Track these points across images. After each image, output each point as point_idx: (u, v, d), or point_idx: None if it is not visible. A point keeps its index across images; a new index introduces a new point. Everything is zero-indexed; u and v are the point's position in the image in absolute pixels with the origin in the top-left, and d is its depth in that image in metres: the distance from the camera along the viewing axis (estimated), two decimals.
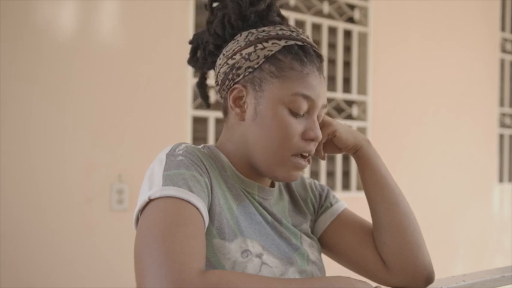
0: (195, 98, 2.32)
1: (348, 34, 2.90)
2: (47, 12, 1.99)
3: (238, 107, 0.86)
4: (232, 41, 0.87)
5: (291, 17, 2.62)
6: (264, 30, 0.86)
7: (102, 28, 2.09)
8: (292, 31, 0.86)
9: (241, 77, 0.85)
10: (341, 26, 2.83)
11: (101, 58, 2.08)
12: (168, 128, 2.22)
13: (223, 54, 0.88)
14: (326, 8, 2.77)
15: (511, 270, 1.04)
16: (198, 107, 2.34)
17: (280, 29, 0.86)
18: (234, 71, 0.85)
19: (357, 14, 2.89)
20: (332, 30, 2.82)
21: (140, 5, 2.15)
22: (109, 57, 2.10)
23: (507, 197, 3.68)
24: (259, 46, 0.84)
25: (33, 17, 1.96)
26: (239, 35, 0.87)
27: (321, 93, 0.86)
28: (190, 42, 0.97)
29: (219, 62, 0.89)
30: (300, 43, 0.85)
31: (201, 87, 0.99)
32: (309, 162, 0.88)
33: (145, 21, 2.18)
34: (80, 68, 2.04)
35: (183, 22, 2.25)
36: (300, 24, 2.68)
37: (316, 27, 2.76)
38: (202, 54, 0.94)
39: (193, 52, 0.96)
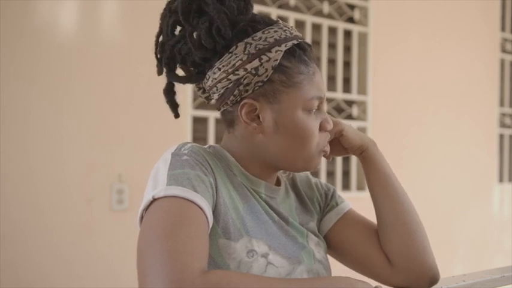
0: (195, 98, 2.32)
1: (348, 34, 2.90)
2: (46, 12, 1.98)
3: (253, 121, 0.84)
4: (229, 55, 0.82)
5: (291, 17, 2.62)
6: (260, 38, 0.82)
7: (102, 28, 2.09)
8: (284, 30, 0.85)
9: (250, 91, 0.82)
10: (341, 26, 2.83)
11: (101, 58, 2.08)
12: (168, 128, 2.21)
13: (220, 69, 0.83)
14: (326, 8, 2.77)
15: (511, 270, 1.04)
16: (198, 107, 2.34)
17: (274, 31, 0.83)
18: (241, 87, 0.82)
19: (357, 14, 2.89)
20: (332, 30, 2.82)
21: (140, 5, 2.15)
22: (109, 57, 2.10)
23: (507, 197, 3.68)
24: (264, 58, 0.81)
25: (33, 17, 1.95)
26: (235, 47, 0.82)
27: (325, 86, 0.89)
28: (159, 54, 0.88)
29: (214, 76, 0.84)
30: (295, 41, 0.84)
31: (169, 95, 0.92)
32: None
33: (145, 21, 2.17)
34: (79, 68, 2.04)
35: None
36: (300, 24, 2.68)
37: (316, 27, 2.76)
38: (181, 67, 0.89)
39: (173, 65, 0.88)
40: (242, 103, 0.83)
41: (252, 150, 0.86)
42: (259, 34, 0.83)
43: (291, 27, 0.87)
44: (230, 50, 0.82)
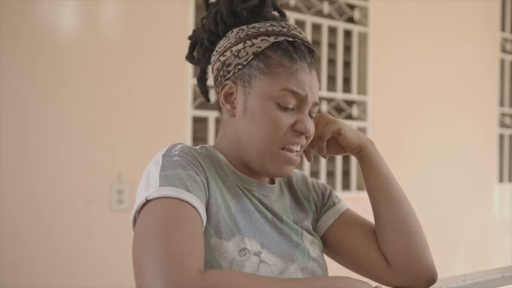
0: (195, 98, 2.32)
1: (348, 34, 2.90)
2: (46, 12, 1.98)
3: (229, 103, 0.87)
4: (224, 38, 0.88)
5: (291, 17, 2.62)
6: (254, 27, 0.86)
7: (102, 28, 2.09)
8: (283, 27, 0.86)
9: (231, 73, 0.85)
10: (341, 26, 2.83)
11: (101, 58, 2.08)
12: (168, 128, 2.21)
13: (216, 51, 0.89)
14: (326, 8, 2.77)
15: (511, 270, 1.04)
16: (198, 107, 2.34)
17: (271, 25, 0.86)
18: (224, 68, 0.86)
19: (357, 14, 2.89)
20: (332, 30, 2.82)
21: (140, 4, 2.15)
22: (109, 57, 2.10)
23: (507, 197, 3.68)
24: (248, 43, 0.84)
25: (33, 17, 1.95)
26: (230, 31, 0.88)
27: (312, 89, 0.85)
28: (190, 38, 0.98)
29: (212, 58, 0.91)
30: (290, 39, 0.85)
31: (201, 83, 1.00)
32: (299, 158, 0.88)
33: (145, 21, 2.18)
34: (80, 68, 2.04)
35: (183, 22, 2.24)
36: (300, 24, 2.68)
37: (316, 27, 2.76)
38: (200, 50, 0.96)
39: (191, 48, 0.98)
40: (223, 84, 0.86)
41: (232, 141, 0.87)
42: (255, 24, 0.87)
43: (295, 27, 0.88)
44: (226, 34, 0.88)
